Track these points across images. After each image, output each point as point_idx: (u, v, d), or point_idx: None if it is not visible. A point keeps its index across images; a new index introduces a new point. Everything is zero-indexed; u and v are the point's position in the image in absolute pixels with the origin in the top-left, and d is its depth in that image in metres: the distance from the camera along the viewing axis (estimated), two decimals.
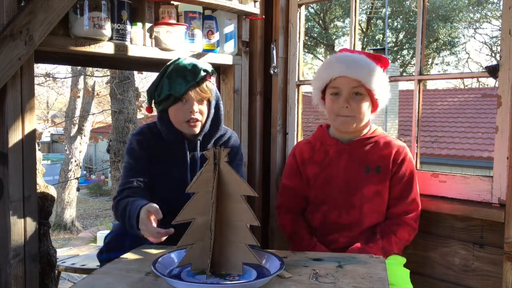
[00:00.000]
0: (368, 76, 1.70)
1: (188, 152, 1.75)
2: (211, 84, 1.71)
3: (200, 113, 1.69)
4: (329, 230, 1.81)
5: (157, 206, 1.44)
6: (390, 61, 1.84)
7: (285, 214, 1.90)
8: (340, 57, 1.77)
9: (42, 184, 2.11)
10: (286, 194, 1.92)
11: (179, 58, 1.71)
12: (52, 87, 13.04)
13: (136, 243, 1.57)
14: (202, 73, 1.66)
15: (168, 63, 1.70)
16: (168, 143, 1.74)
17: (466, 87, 18.39)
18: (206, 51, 2.14)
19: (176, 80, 1.64)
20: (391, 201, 1.79)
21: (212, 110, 1.75)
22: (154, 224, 1.41)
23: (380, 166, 1.76)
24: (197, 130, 1.71)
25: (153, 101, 1.74)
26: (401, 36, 18.15)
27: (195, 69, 1.65)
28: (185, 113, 1.67)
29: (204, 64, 1.70)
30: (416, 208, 1.78)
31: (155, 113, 1.81)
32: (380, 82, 1.73)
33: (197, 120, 1.69)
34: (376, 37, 17.72)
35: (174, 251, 1.40)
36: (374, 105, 1.78)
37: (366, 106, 1.74)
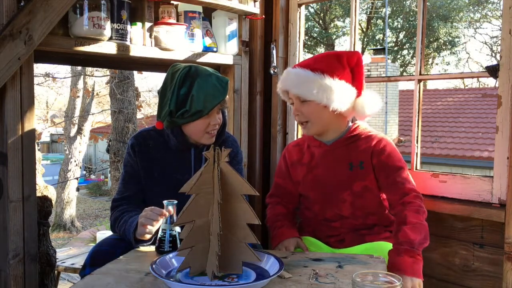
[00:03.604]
0: (305, 89, 1.74)
1: (193, 159, 1.76)
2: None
3: (219, 122, 1.71)
4: (330, 220, 1.83)
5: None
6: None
7: (274, 205, 1.95)
8: (287, 73, 1.83)
9: (42, 184, 2.11)
10: (278, 190, 1.97)
11: (196, 70, 1.64)
12: (51, 87, 13.04)
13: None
14: (228, 87, 1.67)
15: (184, 75, 1.62)
16: (171, 149, 1.74)
17: (466, 87, 18.38)
18: (206, 50, 2.14)
19: (206, 98, 1.61)
20: (384, 190, 1.78)
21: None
22: None
23: (363, 162, 1.78)
24: (214, 139, 1.72)
25: (167, 115, 1.65)
26: (401, 36, 18.14)
27: (222, 84, 1.64)
28: (207, 126, 1.67)
29: (221, 75, 1.70)
30: (413, 189, 1.72)
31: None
32: (323, 90, 1.72)
33: (217, 130, 1.71)
34: (376, 37, 17.71)
35: (173, 252, 1.40)
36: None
37: (316, 109, 1.75)
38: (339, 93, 1.72)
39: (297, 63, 2.43)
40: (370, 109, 1.78)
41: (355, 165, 1.78)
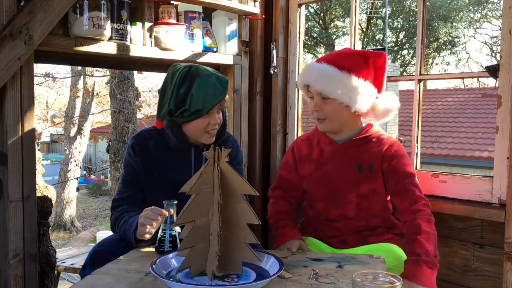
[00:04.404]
0: (330, 87, 1.73)
1: (193, 159, 1.76)
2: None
3: (219, 122, 1.71)
4: (333, 220, 1.83)
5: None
6: (389, 59, 1.85)
7: (277, 200, 1.94)
8: (311, 68, 1.80)
9: (42, 184, 2.11)
10: (283, 183, 1.96)
11: (196, 69, 1.64)
12: (51, 87, 13.04)
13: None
14: (228, 87, 1.67)
15: (184, 75, 1.62)
16: (171, 148, 1.74)
17: (466, 87, 18.37)
18: (206, 50, 2.14)
19: (206, 97, 1.61)
20: (392, 195, 1.78)
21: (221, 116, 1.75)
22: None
23: (372, 165, 1.78)
24: (214, 139, 1.72)
25: (166, 114, 1.65)
26: (401, 36, 18.14)
27: (222, 84, 1.64)
28: (207, 125, 1.67)
29: (221, 75, 1.69)
30: (422, 197, 1.73)
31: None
32: (348, 90, 1.72)
33: (217, 130, 1.71)
34: (376, 37, 17.71)
35: (173, 252, 1.40)
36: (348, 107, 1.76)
37: (337, 108, 1.75)
38: (362, 94, 1.73)
39: (297, 63, 2.43)
40: (390, 109, 1.79)
41: (364, 167, 1.78)
